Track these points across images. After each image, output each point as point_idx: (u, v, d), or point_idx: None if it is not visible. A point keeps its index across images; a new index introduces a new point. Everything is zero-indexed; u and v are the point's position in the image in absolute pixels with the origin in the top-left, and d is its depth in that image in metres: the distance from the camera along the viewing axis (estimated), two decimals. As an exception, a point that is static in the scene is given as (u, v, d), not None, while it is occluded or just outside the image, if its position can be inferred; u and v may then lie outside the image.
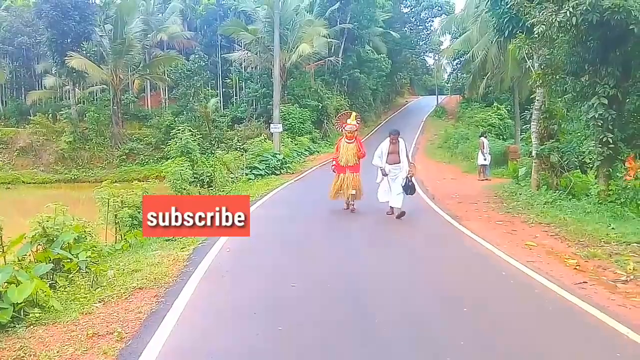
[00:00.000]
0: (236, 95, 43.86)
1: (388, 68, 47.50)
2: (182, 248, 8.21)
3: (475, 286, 6.23)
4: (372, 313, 5.14)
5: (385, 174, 10.41)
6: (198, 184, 16.41)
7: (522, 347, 4.36)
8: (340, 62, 40.65)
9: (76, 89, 38.45)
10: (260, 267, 7.14)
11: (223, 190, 16.00)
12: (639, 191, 10.95)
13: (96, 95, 43.02)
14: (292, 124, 32.46)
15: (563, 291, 5.81)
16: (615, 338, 4.52)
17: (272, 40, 27.84)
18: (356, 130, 11.59)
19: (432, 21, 64.13)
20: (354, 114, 11.85)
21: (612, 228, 9.14)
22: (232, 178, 18.95)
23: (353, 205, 11.37)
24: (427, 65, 73.56)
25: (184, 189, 14.41)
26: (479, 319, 4.99)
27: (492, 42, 25.41)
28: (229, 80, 44.00)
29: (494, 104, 35.73)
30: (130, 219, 9.89)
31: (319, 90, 37.57)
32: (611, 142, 10.65)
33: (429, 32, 64.31)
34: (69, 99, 39.51)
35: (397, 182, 10.26)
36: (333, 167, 11.70)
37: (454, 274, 6.87)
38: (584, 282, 6.23)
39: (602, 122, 10.63)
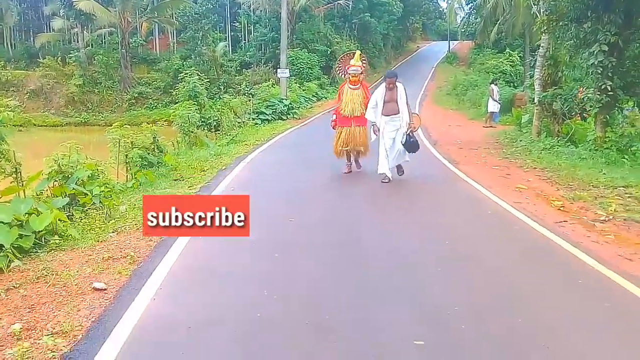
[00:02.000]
0: (245, 39, 43.45)
1: (399, 12, 46.74)
2: (189, 187, 8.71)
3: (459, 223, 6.68)
4: (363, 246, 5.61)
5: (376, 131, 8.94)
6: (205, 128, 16.79)
7: (495, 275, 4.80)
8: (350, 6, 39.93)
9: (84, 32, 38.32)
10: (262, 207, 7.57)
11: (229, 134, 16.35)
12: (634, 138, 11.25)
13: (104, 39, 42.82)
14: (300, 69, 32.38)
15: (543, 229, 6.22)
16: (581, 268, 4.95)
17: (280, -18, 27.46)
18: (362, 73, 9.72)
19: (447, -39, 62.31)
20: (358, 52, 10.04)
21: (604, 173, 9.44)
22: (238, 122, 19.26)
23: (359, 164, 9.96)
24: (440, 9, 71.86)
25: (192, 132, 14.81)
26: (457, 250, 5.45)
27: (502, -14, 24.95)
28: (237, 24, 43.49)
29: (506, 50, 35.20)
30: (140, 160, 10.32)
31: (328, 35, 37.22)
32: (610, 89, 10.81)
33: (442, -27, 62.68)
34: (78, 42, 39.41)
35: (397, 138, 8.79)
36: (333, 122, 9.88)
37: (441, 213, 7.29)
38: (564, 221, 6.63)
39: (601, 69, 10.76)
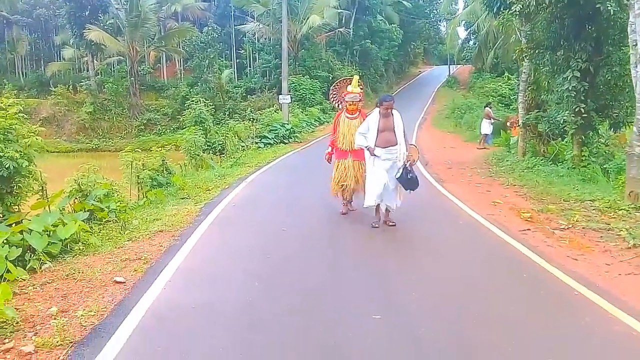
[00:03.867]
0: (250, 66, 44.80)
1: (400, 38, 47.99)
2: (195, 203, 9.61)
3: (432, 230, 7.59)
4: (342, 252, 6.47)
5: (374, 154, 7.25)
6: (210, 151, 17.77)
7: (454, 271, 5.62)
8: (351, 33, 41.31)
9: (94, 61, 39.76)
10: (260, 218, 8.48)
11: (233, 157, 17.32)
12: (608, 157, 12.07)
13: (113, 67, 44.39)
14: (303, 95, 33.45)
15: (506, 236, 7.03)
16: (529, 265, 5.76)
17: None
18: (360, 100, 8.30)
19: (446, -11, 63.88)
20: (356, 77, 8.64)
21: (576, 189, 10.23)
22: (242, 146, 20.23)
23: (352, 202, 8.55)
24: (441, 34, 73.30)
25: (198, 155, 15.78)
26: (426, 251, 6.33)
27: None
28: (242, 51, 44.87)
29: (505, 74, 36.08)
30: (151, 180, 11.26)
31: (329, 61, 38.40)
32: (584, 111, 11.65)
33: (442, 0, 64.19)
34: (88, 70, 40.90)
35: (392, 173, 7.24)
36: (327, 154, 8.60)
37: (418, 222, 8.10)
38: (527, 230, 7.42)
39: (575, 93, 11.60)
